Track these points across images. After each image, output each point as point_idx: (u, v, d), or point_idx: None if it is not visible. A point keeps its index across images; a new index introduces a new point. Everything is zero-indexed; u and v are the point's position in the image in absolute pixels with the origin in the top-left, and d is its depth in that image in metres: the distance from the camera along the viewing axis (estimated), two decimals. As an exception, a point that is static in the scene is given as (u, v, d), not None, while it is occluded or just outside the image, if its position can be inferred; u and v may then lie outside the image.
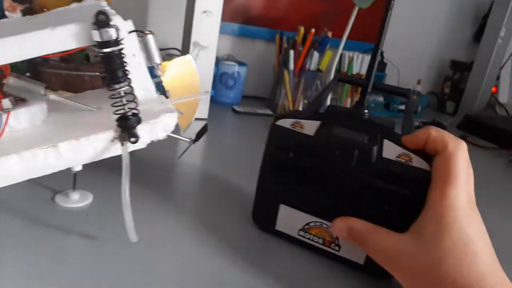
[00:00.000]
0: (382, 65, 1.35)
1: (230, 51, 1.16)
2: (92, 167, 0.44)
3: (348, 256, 0.46)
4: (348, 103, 1.17)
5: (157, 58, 0.47)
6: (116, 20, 0.37)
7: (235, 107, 1.07)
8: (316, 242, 0.47)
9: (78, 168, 0.46)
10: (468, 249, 0.35)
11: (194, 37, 0.85)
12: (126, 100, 0.39)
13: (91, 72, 0.83)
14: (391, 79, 1.37)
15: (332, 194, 0.44)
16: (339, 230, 0.44)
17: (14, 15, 0.80)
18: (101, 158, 0.42)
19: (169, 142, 0.47)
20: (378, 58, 0.46)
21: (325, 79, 1.14)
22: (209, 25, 0.85)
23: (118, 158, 0.41)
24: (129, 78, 0.39)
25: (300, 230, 0.47)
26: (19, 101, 0.45)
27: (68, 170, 0.44)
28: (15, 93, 0.43)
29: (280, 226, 0.48)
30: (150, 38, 0.45)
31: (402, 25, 1.25)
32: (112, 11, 0.38)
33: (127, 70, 0.38)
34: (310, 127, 0.45)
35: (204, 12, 0.84)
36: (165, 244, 0.46)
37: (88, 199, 0.51)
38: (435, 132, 0.40)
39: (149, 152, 0.50)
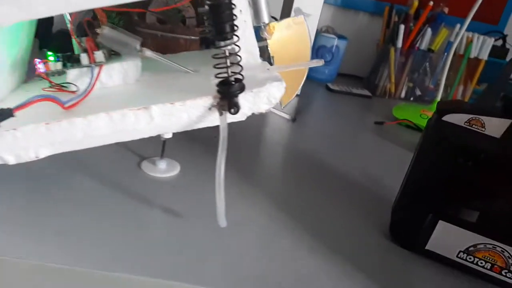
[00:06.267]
0: (504, 51, 1.16)
1: (330, 23, 1.06)
2: (182, 134, 0.39)
3: None
4: (459, 91, 1.02)
5: (265, 17, 0.40)
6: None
7: (330, 85, 0.98)
8: (481, 266, 0.38)
9: (169, 135, 0.42)
10: None
11: (296, 3, 0.77)
12: (230, 63, 0.33)
13: (186, 35, 0.79)
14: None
15: None
16: None
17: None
18: (195, 128, 0.36)
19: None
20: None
21: (436, 61, 1.01)
22: (315, -10, 0.76)
23: (214, 128, 0.36)
24: (237, 36, 0.32)
25: (461, 251, 0.39)
26: (113, 55, 0.41)
27: (158, 136, 0.39)
28: (109, 45, 0.39)
29: (434, 245, 0.40)
30: (261, -9, 0.38)
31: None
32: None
33: (235, 25, 0.32)
34: (494, 126, 0.36)
35: (311, -26, 0.76)
36: (253, 231, 0.40)
37: (175, 169, 0.47)
38: None
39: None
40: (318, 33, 0.98)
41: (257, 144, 0.60)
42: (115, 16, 0.75)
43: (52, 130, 0.34)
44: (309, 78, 1.00)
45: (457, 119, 0.37)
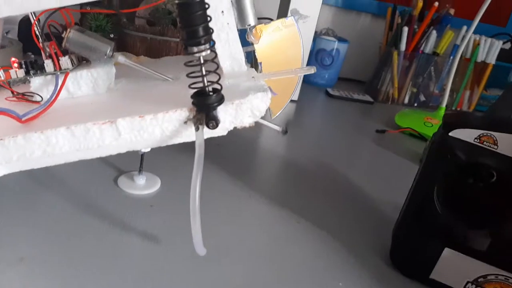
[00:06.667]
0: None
1: (330, 25, 1.02)
2: (164, 146, 0.35)
3: None
4: (466, 97, 0.98)
5: (251, 19, 0.36)
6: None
7: (329, 90, 0.94)
8: None
9: (147, 149, 0.38)
10: None
11: (293, 4, 0.73)
12: (206, 71, 0.29)
13: (177, 38, 0.75)
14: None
15: None
16: None
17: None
18: (170, 144, 0.32)
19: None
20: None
21: (441, 65, 0.96)
22: (312, -10, 0.72)
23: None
24: (212, 40, 0.28)
25: (469, 282, 0.35)
26: (84, 62, 0.37)
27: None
28: (76, 51, 0.35)
29: (439, 274, 0.36)
30: (245, -9, 0.34)
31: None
32: None
33: (210, 28, 0.27)
34: (508, 144, 0.32)
35: (309, -26, 0.72)
36: (240, 261, 0.36)
37: (155, 185, 0.43)
38: None
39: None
40: (318, 35, 0.94)
41: (250, 155, 0.56)
42: (102, 18, 0.71)
43: (7, 147, 0.30)
44: (308, 83, 0.96)
45: (466, 135, 0.32)
